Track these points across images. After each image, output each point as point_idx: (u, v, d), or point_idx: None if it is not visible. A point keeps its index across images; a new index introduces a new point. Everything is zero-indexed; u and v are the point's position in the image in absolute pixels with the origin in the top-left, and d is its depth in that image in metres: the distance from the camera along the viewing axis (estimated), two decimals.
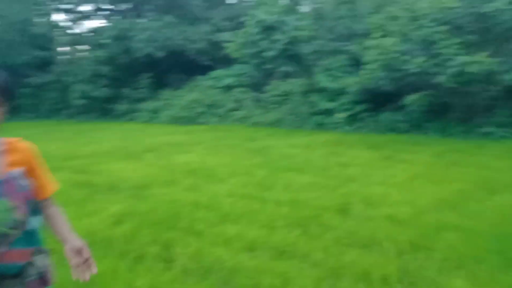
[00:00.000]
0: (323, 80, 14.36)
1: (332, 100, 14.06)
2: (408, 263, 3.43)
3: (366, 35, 12.79)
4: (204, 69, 19.42)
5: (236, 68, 18.23)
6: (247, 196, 5.51)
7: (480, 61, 9.74)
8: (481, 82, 10.39)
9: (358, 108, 13.37)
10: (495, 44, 10.85)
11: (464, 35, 10.42)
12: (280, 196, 5.46)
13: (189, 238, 3.97)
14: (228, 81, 17.94)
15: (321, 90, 14.45)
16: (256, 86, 16.97)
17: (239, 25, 17.66)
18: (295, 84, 15.64)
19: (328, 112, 13.97)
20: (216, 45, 18.93)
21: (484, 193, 5.48)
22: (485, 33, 10.59)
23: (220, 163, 7.92)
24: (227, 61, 18.45)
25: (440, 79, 10.25)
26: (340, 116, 13.50)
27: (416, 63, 10.47)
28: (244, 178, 6.58)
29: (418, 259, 3.49)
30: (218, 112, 16.82)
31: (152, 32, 19.04)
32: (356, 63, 13.70)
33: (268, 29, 15.58)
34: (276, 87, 16.00)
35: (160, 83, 19.95)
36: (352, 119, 13.37)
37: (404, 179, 6.32)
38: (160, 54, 18.98)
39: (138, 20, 20.67)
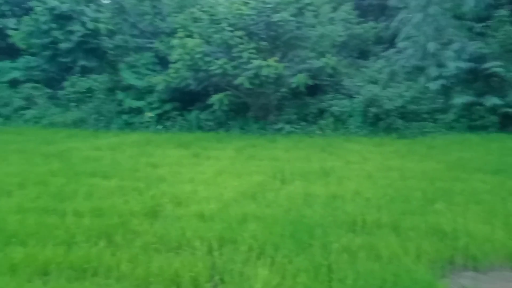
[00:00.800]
0: (128, 77, 13.75)
1: (140, 98, 13.62)
2: (217, 259, 3.55)
3: (171, 33, 12.85)
4: None
5: (24, 60, 15.76)
6: (40, 209, 4.80)
7: (271, 65, 11.02)
8: (272, 84, 11.77)
9: (167, 107, 13.35)
10: (282, 51, 12.45)
11: (258, 40, 11.60)
12: (82, 205, 4.93)
13: None
14: (15, 74, 15.39)
15: (127, 88, 13.83)
16: (51, 82, 15.07)
17: (28, 11, 15.33)
18: (98, 81, 14.53)
19: (137, 111, 13.50)
20: None
21: (278, 182, 6.18)
22: (274, 40, 12.04)
23: (6, 172, 6.73)
24: (12, 52, 15.81)
25: (239, 80, 11.15)
26: (149, 115, 13.22)
27: (217, 65, 11.12)
28: (37, 189, 5.72)
29: (225, 254, 3.65)
30: (3, 112, 14.30)
31: None
32: (162, 62, 13.63)
33: (62, 17, 14.00)
34: (76, 83, 14.53)
35: None
36: (162, 118, 13.26)
37: (211, 175, 6.59)
38: None
39: None
